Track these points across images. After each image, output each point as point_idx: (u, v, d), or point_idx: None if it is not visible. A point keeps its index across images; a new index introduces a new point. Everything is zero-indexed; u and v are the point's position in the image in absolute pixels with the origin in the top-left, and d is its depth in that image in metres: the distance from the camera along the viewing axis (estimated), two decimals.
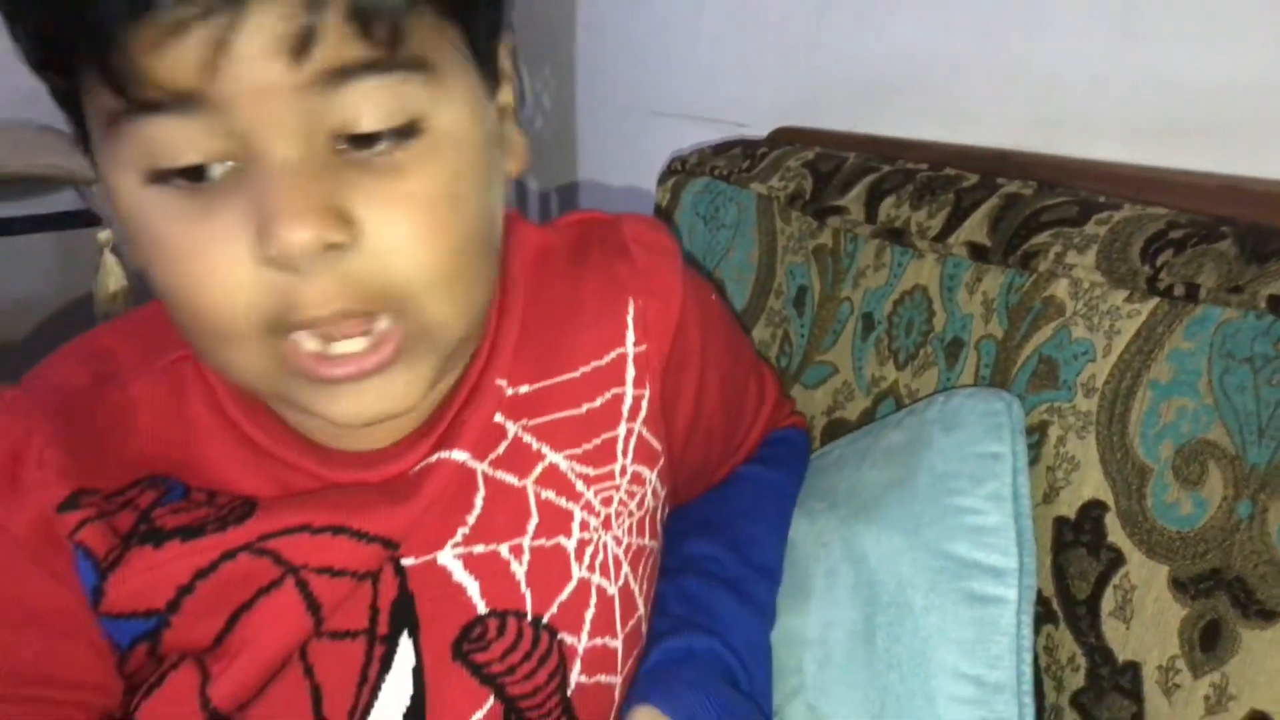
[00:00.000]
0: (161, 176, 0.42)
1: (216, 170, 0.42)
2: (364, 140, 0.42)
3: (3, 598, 0.49)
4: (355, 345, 0.44)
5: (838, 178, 0.77)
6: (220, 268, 0.42)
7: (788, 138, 0.91)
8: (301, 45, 0.40)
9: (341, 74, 0.41)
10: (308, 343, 0.44)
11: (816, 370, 0.75)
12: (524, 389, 0.54)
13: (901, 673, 0.55)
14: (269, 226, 0.41)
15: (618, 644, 0.55)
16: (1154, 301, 0.55)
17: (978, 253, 0.65)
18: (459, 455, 0.51)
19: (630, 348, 0.56)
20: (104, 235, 0.97)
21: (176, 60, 0.40)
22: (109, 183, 0.44)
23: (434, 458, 0.51)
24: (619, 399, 0.56)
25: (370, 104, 0.41)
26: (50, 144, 1.24)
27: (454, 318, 0.46)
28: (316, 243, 0.41)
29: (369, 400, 0.45)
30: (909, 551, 0.57)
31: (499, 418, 0.53)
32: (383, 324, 0.44)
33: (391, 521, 0.50)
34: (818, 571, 0.61)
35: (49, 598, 0.49)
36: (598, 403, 0.55)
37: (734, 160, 0.87)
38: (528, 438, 0.53)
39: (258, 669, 0.49)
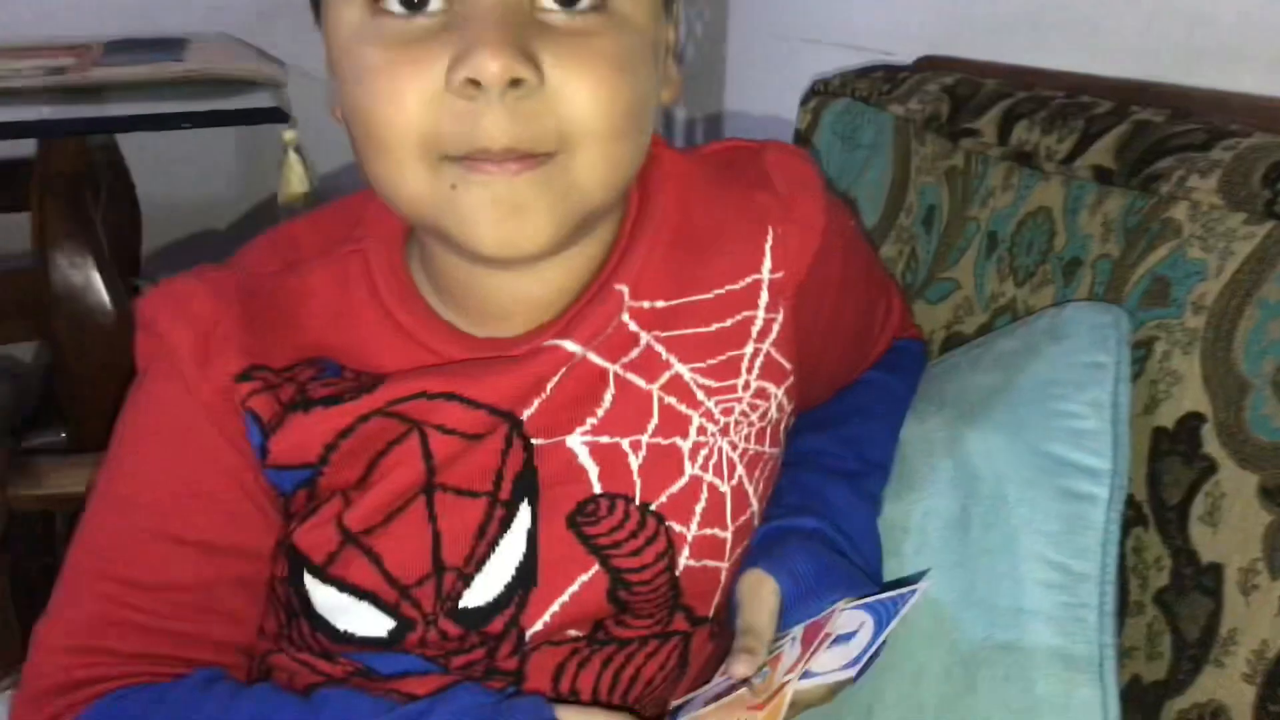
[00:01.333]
0: (382, 2, 0.50)
1: (432, 3, 0.50)
2: (560, 2, 0.50)
3: (190, 452, 0.57)
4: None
5: (974, 102, 0.80)
6: (414, 86, 0.49)
7: (932, 66, 0.93)
8: None
9: None
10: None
11: (940, 286, 0.79)
12: (660, 303, 0.59)
13: (992, 557, 0.60)
14: (468, 53, 0.48)
15: (727, 535, 0.61)
16: (1270, 224, 0.57)
17: (1102, 175, 0.67)
18: (570, 345, 0.57)
19: (766, 274, 0.61)
20: (289, 135, 1.06)
21: None
22: (332, 17, 0.52)
23: (546, 343, 0.57)
24: (750, 320, 0.61)
25: None
26: (245, 54, 1.35)
27: (600, 177, 0.52)
28: (507, 73, 0.48)
29: (505, 228, 0.51)
30: (1009, 449, 0.61)
31: (634, 326, 0.59)
32: (538, 168, 0.50)
33: (495, 391, 0.57)
34: (922, 466, 0.65)
35: (223, 456, 0.57)
36: (728, 323, 0.60)
37: (875, 83, 0.90)
38: (658, 347, 0.59)
39: (383, 502, 0.57)
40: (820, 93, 0.95)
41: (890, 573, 0.64)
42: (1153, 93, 0.74)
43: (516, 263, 0.54)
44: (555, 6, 0.50)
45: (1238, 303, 0.57)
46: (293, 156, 1.15)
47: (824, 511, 0.62)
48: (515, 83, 0.48)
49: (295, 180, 1.14)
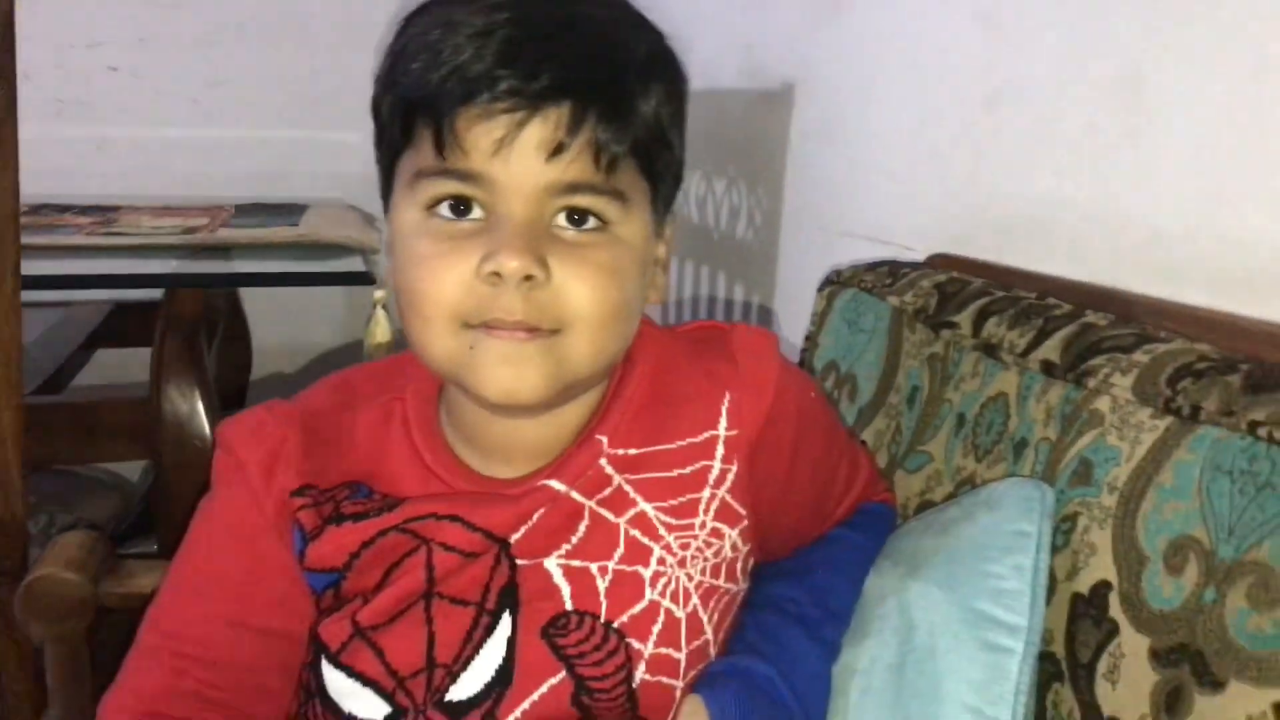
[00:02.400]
0: (435, 208, 0.64)
1: (475, 212, 0.64)
2: (572, 222, 0.64)
3: (253, 549, 0.70)
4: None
5: (957, 299, 0.90)
6: (451, 271, 0.63)
7: (941, 263, 1.05)
8: (555, 152, 0.63)
9: (573, 188, 0.64)
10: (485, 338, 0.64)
11: (917, 458, 0.87)
12: (632, 451, 0.72)
13: (921, 699, 0.67)
14: (496, 253, 0.62)
15: (681, 655, 0.70)
16: (1169, 419, 0.65)
17: (1048, 368, 0.76)
18: (557, 485, 0.70)
19: (722, 431, 0.73)
20: (378, 294, 1.22)
21: (480, 136, 0.62)
22: (398, 214, 0.67)
23: (538, 483, 0.70)
24: (707, 469, 0.72)
25: (583, 200, 0.64)
26: (351, 219, 1.54)
27: (587, 354, 0.65)
28: (522, 270, 0.62)
29: (508, 380, 0.64)
30: (944, 604, 0.69)
31: (609, 469, 0.71)
32: (539, 339, 0.64)
33: (492, 519, 0.69)
34: (874, 615, 0.73)
35: (277, 555, 0.70)
36: (688, 470, 0.72)
37: (880, 276, 1.01)
38: (627, 487, 0.71)
39: (389, 604, 0.68)
40: (834, 282, 1.07)
41: (841, 711, 0.72)
42: (1114, 298, 0.84)
43: (515, 410, 0.67)
44: (567, 225, 0.65)
45: (1141, 485, 0.65)
46: (380, 312, 1.32)
47: (777, 656, 0.71)
48: (528, 278, 0.62)
49: (379, 332, 1.30)
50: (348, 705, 0.68)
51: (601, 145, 0.64)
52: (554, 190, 0.64)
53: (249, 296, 1.89)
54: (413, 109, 0.65)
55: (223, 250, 1.36)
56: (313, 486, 0.70)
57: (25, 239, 1.10)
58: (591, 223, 0.65)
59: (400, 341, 1.36)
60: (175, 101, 2.04)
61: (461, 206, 0.65)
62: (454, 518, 0.69)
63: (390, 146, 0.68)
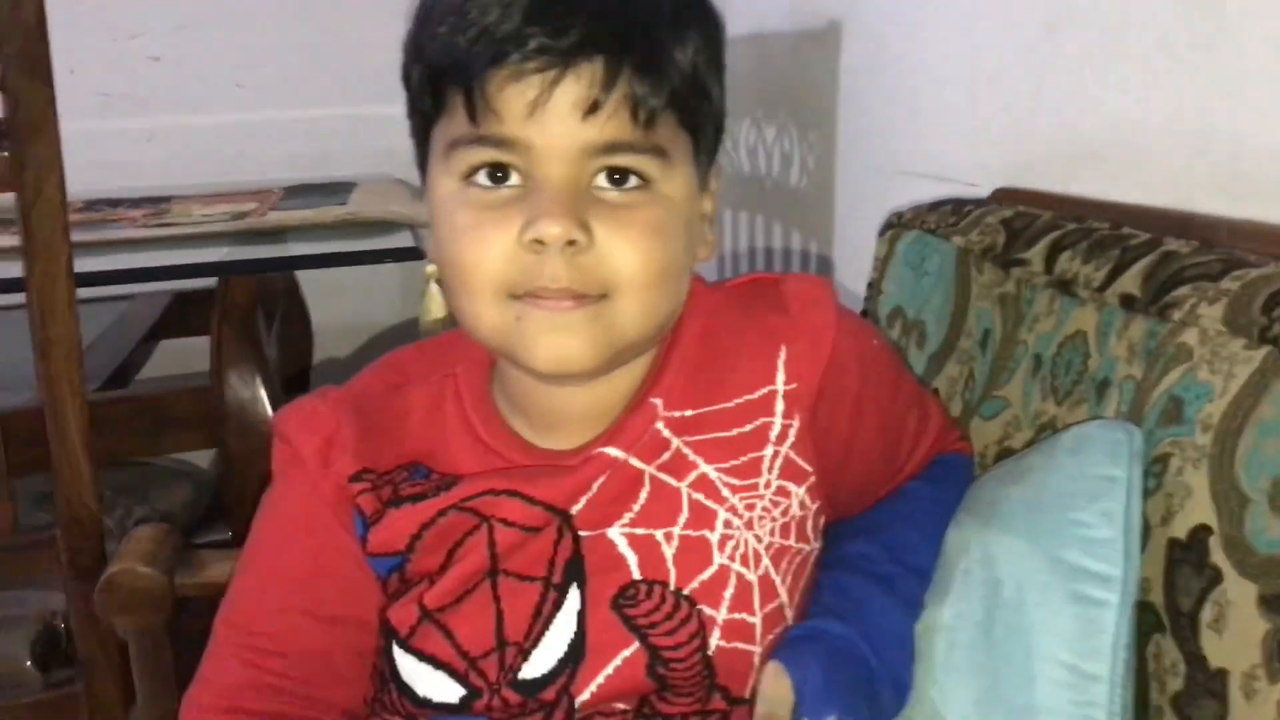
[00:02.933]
0: (472, 177, 0.63)
1: (512, 178, 0.62)
2: (613, 182, 0.62)
3: (317, 538, 0.70)
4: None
5: (1025, 234, 0.86)
6: (492, 241, 0.62)
7: (1006, 197, 1.00)
8: (591, 110, 0.60)
9: (611, 148, 0.61)
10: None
11: (992, 404, 0.84)
12: (688, 412, 0.69)
13: (1009, 657, 0.64)
14: (537, 220, 0.60)
15: (756, 620, 0.68)
16: (1265, 349, 0.61)
17: (1128, 303, 0.72)
18: (614, 451, 0.68)
19: (780, 385, 0.70)
20: (430, 269, 1.20)
21: (512, 99, 0.60)
22: (434, 185, 0.65)
23: (595, 451, 0.68)
24: (768, 426, 0.69)
25: (624, 159, 0.62)
26: (399, 194, 1.53)
27: (635, 318, 0.63)
28: (564, 235, 0.60)
29: (556, 349, 0.62)
30: (1029, 556, 0.66)
31: (666, 433, 0.69)
32: (586, 306, 0.62)
33: (552, 491, 0.67)
34: (957, 571, 0.71)
35: (341, 542, 0.69)
36: (747, 428, 0.69)
37: (943, 216, 0.97)
38: (686, 450, 0.69)
39: (455, 585, 0.67)
40: (895, 224, 1.03)
41: (928, 670, 0.69)
42: (1193, 223, 0.79)
43: (565, 378, 0.65)
44: (607, 185, 0.62)
45: (1239, 422, 0.61)
46: (433, 288, 1.30)
47: (855, 616, 0.68)
48: (570, 243, 0.60)
49: (434, 308, 1.28)
50: (422, 689, 0.68)
51: (638, 100, 0.61)
52: (592, 150, 0.61)
53: (306, 278, 1.90)
54: (441, 75, 0.63)
55: (274, 234, 1.35)
56: (370, 470, 0.69)
57: (80, 235, 1.10)
58: (633, 181, 0.63)
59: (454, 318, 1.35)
60: (219, 87, 2.04)
61: (499, 174, 0.63)
62: (512, 492, 0.67)
63: (422, 116, 0.66)
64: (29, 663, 1.12)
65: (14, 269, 1.12)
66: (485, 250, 0.62)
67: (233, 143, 2.03)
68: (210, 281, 1.67)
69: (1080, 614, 0.63)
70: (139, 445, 1.31)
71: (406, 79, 0.67)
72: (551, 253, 0.60)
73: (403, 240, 1.24)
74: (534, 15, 0.60)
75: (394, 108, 2.22)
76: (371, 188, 1.61)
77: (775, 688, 0.65)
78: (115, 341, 1.51)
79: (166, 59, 2.05)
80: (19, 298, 1.14)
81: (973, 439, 0.84)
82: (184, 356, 1.84)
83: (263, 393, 1.27)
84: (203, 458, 1.69)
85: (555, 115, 0.60)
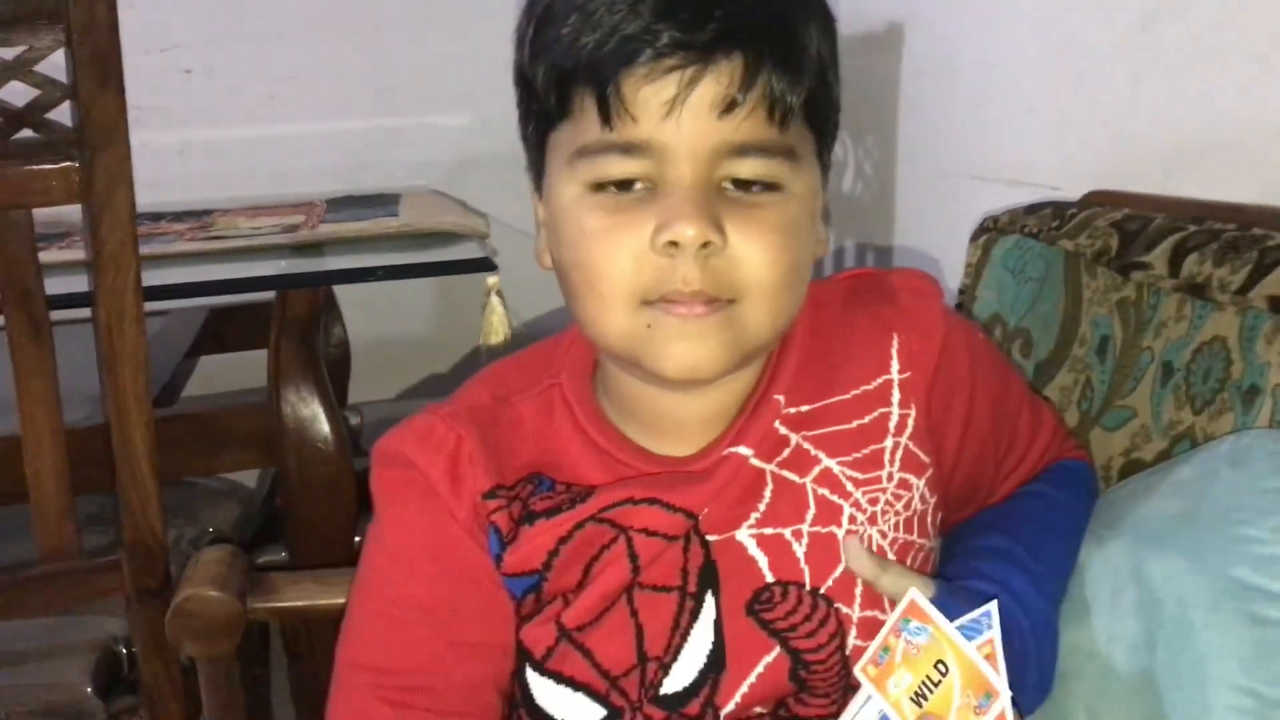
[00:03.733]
0: (601, 187, 0.60)
1: (638, 187, 0.60)
2: (742, 185, 0.60)
3: (452, 563, 0.66)
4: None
5: (1143, 236, 0.83)
6: (624, 245, 0.59)
7: (1100, 200, 0.97)
8: (728, 109, 0.58)
9: (743, 149, 0.59)
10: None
11: (1116, 414, 0.80)
12: (805, 408, 0.67)
13: (1180, 682, 0.60)
14: (670, 223, 0.58)
15: (886, 616, 0.64)
16: None
17: (1276, 305, 0.69)
18: (744, 450, 0.65)
19: (895, 374, 0.68)
20: (492, 280, 1.17)
21: (649, 99, 0.58)
22: (556, 190, 0.63)
23: (725, 452, 0.66)
24: (886, 416, 0.67)
25: (755, 167, 0.60)
26: (449, 206, 1.49)
27: (766, 321, 0.61)
28: (700, 238, 0.58)
29: (688, 357, 0.60)
30: (1191, 574, 0.62)
31: (783, 430, 0.66)
32: (718, 312, 0.60)
33: (690, 497, 0.65)
34: (1103, 590, 0.67)
35: (479, 563, 0.66)
36: (866, 419, 0.67)
37: (1044, 220, 0.94)
38: (807, 445, 0.66)
39: (595, 602, 0.64)
40: (990, 229, 0.99)
41: (1075, 694, 0.66)
42: None
43: (694, 384, 0.63)
44: (734, 187, 0.60)
45: None
46: (494, 300, 1.27)
47: (1008, 594, 0.65)
48: (705, 244, 0.58)
49: (497, 322, 1.25)
50: (559, 711, 0.65)
51: (776, 98, 0.59)
52: (724, 151, 0.59)
53: (342, 291, 1.86)
54: (569, 78, 0.60)
55: (328, 246, 1.32)
56: (501, 486, 0.66)
57: None
58: (759, 184, 0.61)
59: (520, 336, 1.31)
60: (253, 99, 2.01)
61: (627, 186, 0.61)
62: (651, 500, 0.64)
63: (542, 119, 0.64)
64: (90, 690, 1.08)
65: (68, 284, 1.09)
66: (616, 255, 0.60)
67: (267, 156, 2.00)
68: (249, 297, 1.65)
69: (1259, 636, 0.59)
70: (195, 464, 1.27)
71: (522, 79, 0.64)
72: (685, 255, 0.58)
73: (471, 251, 1.20)
74: (664, 11, 0.58)
75: (431, 119, 2.19)
76: (417, 200, 1.58)
77: (910, 582, 0.62)
78: (159, 358, 1.47)
79: (198, 71, 2.02)
80: (71, 313, 1.11)
81: (1094, 451, 0.81)
82: (223, 374, 1.81)
83: (322, 410, 1.23)
84: (247, 477, 1.65)
85: (692, 114, 0.58)
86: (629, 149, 0.59)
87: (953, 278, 1.08)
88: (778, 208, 0.61)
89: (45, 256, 1.03)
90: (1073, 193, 1.03)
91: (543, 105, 0.62)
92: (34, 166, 0.92)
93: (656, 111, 0.58)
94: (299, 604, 0.96)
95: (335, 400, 1.27)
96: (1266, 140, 0.85)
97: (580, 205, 0.61)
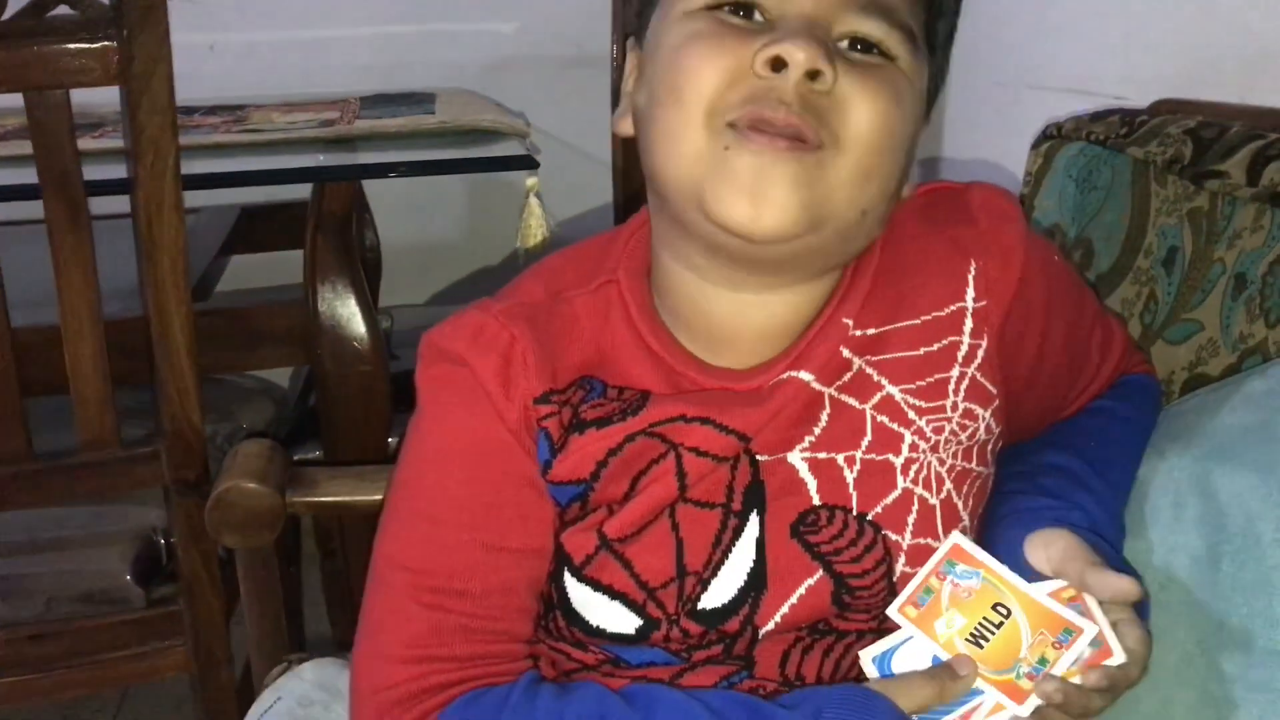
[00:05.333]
0: (718, 7, 0.58)
1: (757, 16, 0.58)
2: (858, 48, 0.58)
3: (496, 466, 0.64)
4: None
5: (1219, 144, 0.79)
6: (725, 53, 0.57)
7: (1169, 109, 0.93)
8: None
9: (868, 6, 0.57)
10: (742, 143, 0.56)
11: (1181, 327, 0.78)
12: (871, 330, 0.64)
13: (1247, 596, 0.59)
14: (780, 40, 0.55)
15: (939, 544, 0.63)
16: None
17: None
18: (805, 375, 0.63)
19: (970, 303, 0.65)
20: (531, 181, 1.14)
21: None
22: (661, 26, 0.60)
23: (785, 375, 0.63)
24: (955, 345, 0.64)
25: (876, 28, 0.58)
26: (486, 105, 1.46)
27: (850, 186, 0.58)
28: (810, 62, 0.55)
29: (759, 199, 0.56)
30: (1261, 488, 0.60)
31: (846, 353, 0.64)
32: (804, 154, 0.56)
33: (745, 420, 0.62)
34: (1165, 503, 0.65)
35: (524, 469, 0.64)
36: (935, 347, 0.64)
37: (1111, 127, 0.90)
38: (870, 370, 0.64)
39: (638, 515, 0.62)
40: (1053, 137, 0.96)
41: None
42: None
43: (754, 239, 0.58)
44: (848, 48, 0.58)
45: None
46: (534, 201, 1.24)
47: (1084, 515, 0.64)
48: (813, 75, 0.55)
49: (535, 224, 1.23)
50: (596, 619, 0.63)
51: None
52: (850, 4, 0.57)
53: (372, 192, 1.84)
54: None
55: (355, 142, 1.29)
56: (554, 391, 0.63)
57: None
58: (877, 52, 0.58)
59: (558, 240, 1.28)
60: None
61: (743, 12, 0.58)
62: (704, 419, 0.62)
63: None
64: (129, 577, 1.09)
65: (104, 174, 1.07)
66: (712, 62, 0.57)
67: (298, 57, 1.96)
68: (282, 196, 1.63)
69: None
70: (230, 361, 1.26)
71: None
72: (788, 81, 0.55)
73: (513, 148, 1.17)
74: None
75: (467, 24, 2.12)
76: (453, 99, 1.54)
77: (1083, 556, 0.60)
78: (192, 256, 1.45)
79: None
80: (105, 205, 1.09)
81: (1157, 364, 0.78)
82: (255, 274, 1.79)
83: (358, 308, 1.22)
84: (280, 375, 1.65)
85: None
86: None
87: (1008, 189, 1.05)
88: (891, 73, 0.58)
89: (80, 144, 1.01)
90: (1139, 102, 0.99)
91: None
92: (71, 45, 0.90)
93: None
94: (338, 499, 0.96)
95: (371, 300, 1.25)
96: None
97: (687, 20, 0.59)
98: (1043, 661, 0.58)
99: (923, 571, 0.61)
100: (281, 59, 1.97)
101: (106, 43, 0.90)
